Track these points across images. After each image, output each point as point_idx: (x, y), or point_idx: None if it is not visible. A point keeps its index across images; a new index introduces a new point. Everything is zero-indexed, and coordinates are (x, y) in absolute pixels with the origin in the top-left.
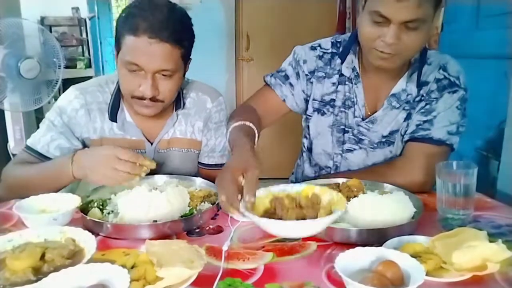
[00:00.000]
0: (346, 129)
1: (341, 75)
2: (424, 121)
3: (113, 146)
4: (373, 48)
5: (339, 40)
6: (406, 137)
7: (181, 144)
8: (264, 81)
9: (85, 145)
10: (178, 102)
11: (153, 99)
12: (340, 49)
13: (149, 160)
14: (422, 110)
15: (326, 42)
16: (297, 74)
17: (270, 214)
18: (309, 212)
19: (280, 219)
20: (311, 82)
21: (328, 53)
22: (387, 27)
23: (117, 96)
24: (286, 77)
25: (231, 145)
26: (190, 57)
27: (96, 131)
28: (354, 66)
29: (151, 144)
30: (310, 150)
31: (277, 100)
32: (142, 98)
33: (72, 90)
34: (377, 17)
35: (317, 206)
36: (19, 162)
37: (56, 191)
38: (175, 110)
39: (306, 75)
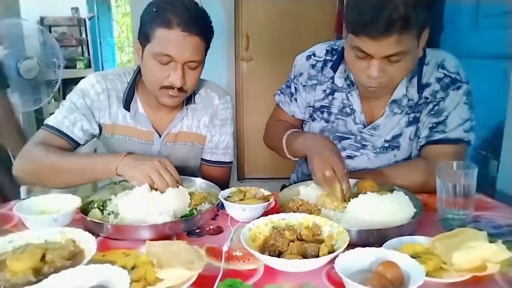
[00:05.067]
0: (346, 136)
1: (334, 83)
2: (437, 123)
3: (166, 159)
4: (359, 81)
5: (335, 47)
6: (422, 141)
7: (186, 138)
8: (275, 99)
9: (101, 130)
10: (189, 97)
11: (179, 89)
12: (334, 57)
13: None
14: (432, 112)
15: (321, 50)
16: (297, 89)
17: (270, 245)
18: (311, 247)
19: (280, 251)
20: (306, 91)
21: (320, 61)
22: (370, 60)
23: (132, 87)
24: (291, 94)
25: (294, 146)
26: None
27: (111, 116)
28: (348, 75)
29: (160, 136)
30: None
31: (288, 116)
32: (169, 88)
33: (93, 75)
34: (359, 52)
35: (318, 238)
36: (42, 142)
37: (89, 182)
38: (185, 105)
39: (304, 86)
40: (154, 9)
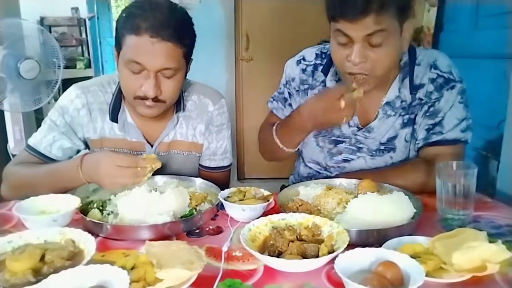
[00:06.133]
0: (341, 139)
1: (326, 86)
2: (434, 125)
3: (111, 154)
4: (344, 72)
5: (324, 51)
6: (420, 143)
7: (182, 147)
8: (268, 106)
9: (87, 145)
10: (178, 104)
11: (155, 99)
12: (324, 61)
13: (151, 161)
14: (428, 113)
15: (311, 54)
16: (290, 94)
17: (269, 245)
18: (310, 247)
19: (280, 251)
20: (300, 95)
21: (310, 65)
22: (351, 47)
23: (118, 97)
24: (285, 99)
25: (285, 130)
26: (192, 57)
27: (96, 131)
28: (339, 78)
29: (152, 146)
30: (303, 158)
31: None
32: (144, 98)
33: (73, 89)
34: (341, 37)
35: (318, 239)
36: (21, 162)
37: (68, 191)
38: (176, 113)
39: (297, 90)
40: (124, 15)
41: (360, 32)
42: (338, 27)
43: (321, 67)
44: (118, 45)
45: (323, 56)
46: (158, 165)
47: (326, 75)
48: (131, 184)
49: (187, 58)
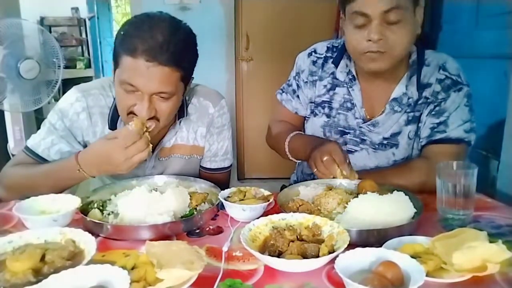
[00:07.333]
0: (347, 130)
1: (336, 78)
2: (438, 123)
3: (109, 141)
4: (361, 53)
5: (336, 44)
6: (423, 141)
7: (183, 150)
8: (277, 98)
9: None
10: (181, 111)
11: (150, 118)
12: (335, 54)
13: (142, 125)
14: (433, 112)
15: (322, 47)
16: (299, 85)
17: (270, 245)
18: (311, 247)
19: (280, 251)
20: (308, 87)
21: (321, 57)
22: (369, 27)
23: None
24: (294, 91)
25: (297, 148)
26: (192, 76)
27: (96, 135)
28: (350, 70)
29: (153, 152)
30: None
31: (291, 113)
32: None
33: (74, 91)
34: (358, 19)
35: (318, 238)
36: (19, 163)
37: (66, 190)
38: (178, 119)
39: (305, 82)
40: (122, 33)
41: (378, 7)
42: (355, 9)
43: (331, 59)
44: (115, 62)
45: (334, 49)
46: (149, 124)
47: (336, 67)
48: (145, 156)
49: (186, 80)
